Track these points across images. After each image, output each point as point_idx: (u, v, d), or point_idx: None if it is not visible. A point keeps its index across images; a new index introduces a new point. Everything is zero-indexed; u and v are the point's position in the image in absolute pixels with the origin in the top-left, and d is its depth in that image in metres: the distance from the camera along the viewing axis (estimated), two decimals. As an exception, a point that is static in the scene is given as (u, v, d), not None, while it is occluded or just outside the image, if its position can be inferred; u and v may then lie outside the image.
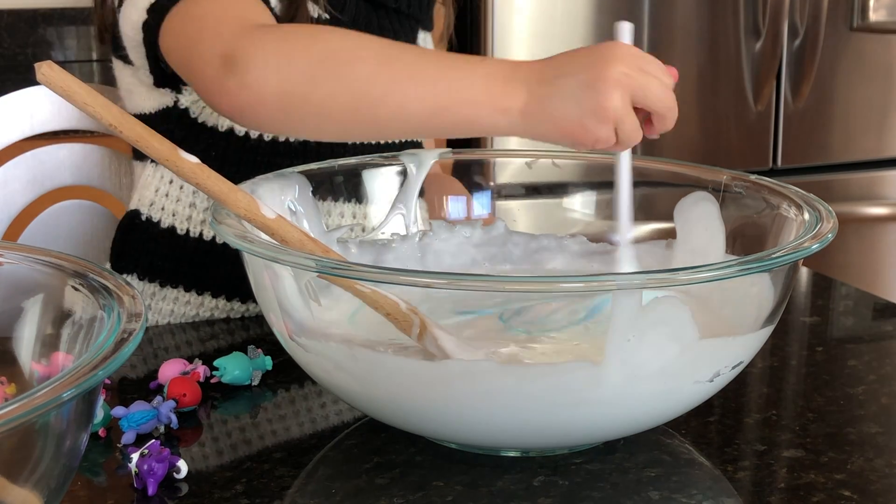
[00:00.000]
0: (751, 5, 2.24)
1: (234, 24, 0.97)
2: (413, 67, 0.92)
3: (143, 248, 1.20)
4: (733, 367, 0.81)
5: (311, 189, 0.99)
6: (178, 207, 1.18)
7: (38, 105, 1.34)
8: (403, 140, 1.16)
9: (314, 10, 1.14)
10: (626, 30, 0.88)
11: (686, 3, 2.22)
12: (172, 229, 1.18)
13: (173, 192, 1.17)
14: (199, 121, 1.15)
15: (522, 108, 0.87)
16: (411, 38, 1.24)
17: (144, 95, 1.18)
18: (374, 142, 1.17)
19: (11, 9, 2.42)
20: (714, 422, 0.89)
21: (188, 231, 1.18)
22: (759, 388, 0.96)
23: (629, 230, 0.91)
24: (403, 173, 1.06)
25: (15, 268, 0.73)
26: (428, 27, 1.30)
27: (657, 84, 0.85)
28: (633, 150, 0.91)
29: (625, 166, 0.91)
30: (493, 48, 2.11)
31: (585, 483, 0.79)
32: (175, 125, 1.15)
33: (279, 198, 0.96)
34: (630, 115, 0.85)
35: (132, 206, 1.21)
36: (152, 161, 1.19)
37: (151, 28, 1.06)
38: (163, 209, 1.18)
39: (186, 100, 1.15)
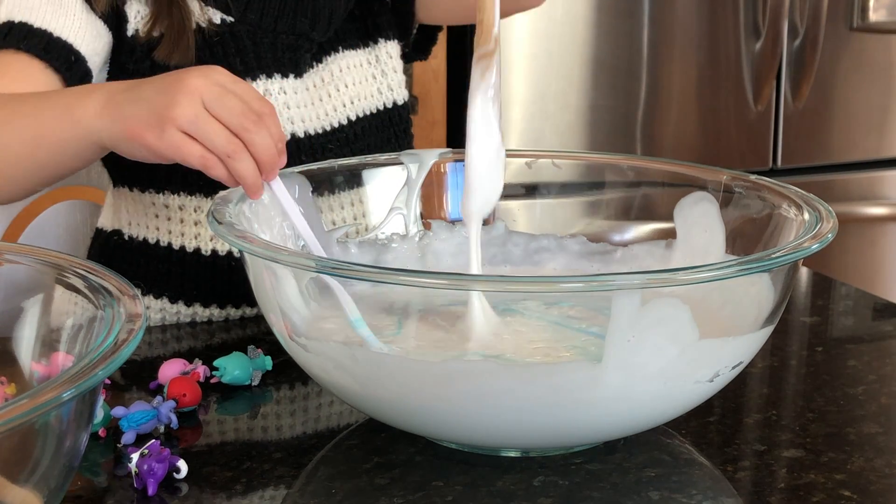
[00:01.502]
0: (751, 5, 2.24)
1: None
2: (16, 110, 0.95)
3: (128, 264, 1.18)
4: (733, 368, 0.81)
5: (311, 189, 0.99)
6: (148, 220, 1.16)
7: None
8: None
9: (215, 15, 1.12)
10: None
11: (686, 3, 2.22)
12: (146, 241, 1.16)
13: (139, 207, 1.16)
14: None
15: (99, 111, 0.89)
16: (345, 5, 1.20)
17: None
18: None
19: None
20: (714, 422, 0.89)
21: (158, 241, 1.16)
22: (759, 388, 0.96)
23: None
24: (404, 173, 1.06)
25: (15, 268, 0.73)
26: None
27: (234, 99, 0.84)
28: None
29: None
30: (493, 48, 2.10)
31: (585, 483, 0.79)
32: None
33: (287, 196, 0.95)
34: (206, 119, 0.83)
35: (111, 227, 1.20)
36: (116, 185, 1.18)
37: None
38: (137, 224, 1.17)
39: None
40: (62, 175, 1.00)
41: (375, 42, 1.23)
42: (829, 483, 0.79)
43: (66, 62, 1.05)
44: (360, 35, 1.22)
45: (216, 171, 0.85)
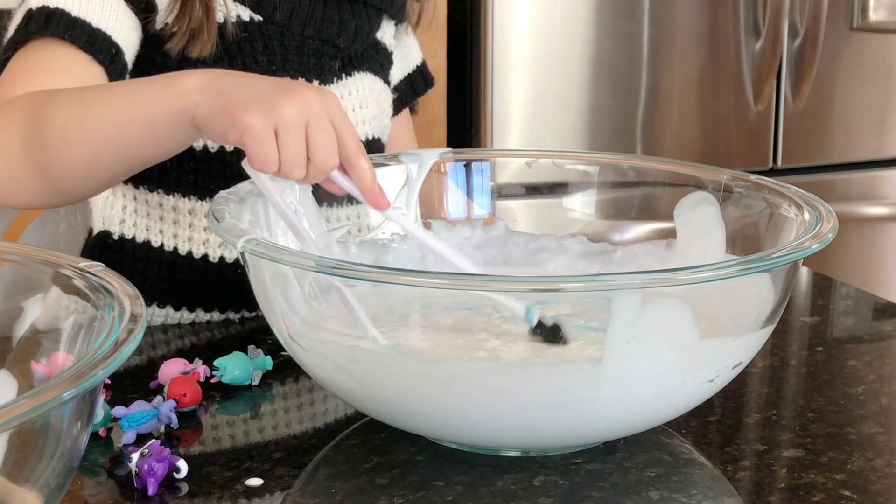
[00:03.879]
0: (751, 5, 2.24)
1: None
2: (101, 97, 0.93)
3: (120, 268, 1.17)
4: (733, 368, 0.81)
5: (311, 189, 0.99)
6: (150, 222, 1.15)
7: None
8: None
9: (244, 13, 1.12)
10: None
11: (686, 3, 2.22)
12: (148, 243, 1.15)
13: (141, 208, 1.15)
14: None
15: (200, 87, 0.86)
16: (369, 28, 1.21)
17: None
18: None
19: (11, 9, 2.42)
20: (714, 422, 0.89)
21: (163, 244, 1.15)
22: (759, 388, 0.96)
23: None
24: (404, 173, 1.06)
25: (15, 268, 0.73)
26: (396, 16, 1.27)
27: (330, 135, 0.84)
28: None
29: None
30: (492, 49, 2.11)
31: (585, 483, 0.79)
32: None
33: (280, 198, 0.95)
34: (297, 133, 0.82)
35: (99, 228, 1.17)
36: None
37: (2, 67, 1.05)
38: (135, 225, 1.15)
39: None
40: (147, 161, 0.96)
41: (386, 80, 1.26)
42: (829, 483, 0.79)
43: (109, 55, 1.03)
44: (379, 65, 1.24)
45: (266, 170, 0.85)
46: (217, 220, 0.83)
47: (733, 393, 0.93)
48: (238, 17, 1.11)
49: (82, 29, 1.01)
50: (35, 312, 0.72)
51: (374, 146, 1.22)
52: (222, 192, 0.90)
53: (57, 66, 1.01)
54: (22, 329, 0.73)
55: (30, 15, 1.02)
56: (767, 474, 0.81)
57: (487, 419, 0.77)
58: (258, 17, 1.13)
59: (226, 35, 1.10)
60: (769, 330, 0.84)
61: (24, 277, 0.72)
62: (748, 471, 0.82)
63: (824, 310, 1.17)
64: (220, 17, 1.10)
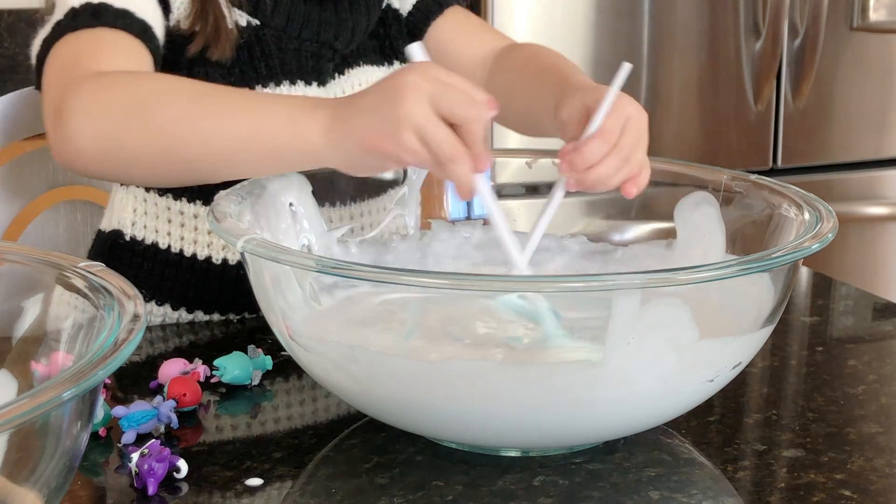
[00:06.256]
0: (751, 5, 2.24)
1: (72, 73, 0.97)
2: (218, 104, 0.93)
3: (128, 267, 1.17)
4: (733, 368, 0.81)
5: (311, 189, 0.99)
6: (159, 224, 1.16)
7: (38, 105, 1.34)
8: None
9: (241, 18, 1.12)
10: (417, 50, 0.90)
11: (686, 3, 2.22)
12: (156, 245, 1.16)
13: (151, 210, 1.16)
14: None
15: (326, 130, 0.87)
16: (367, 23, 1.21)
17: None
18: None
19: (11, 9, 2.42)
20: (714, 422, 0.89)
21: (170, 246, 1.16)
22: (759, 388, 0.96)
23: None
24: (404, 174, 1.06)
25: (15, 268, 0.73)
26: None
27: (456, 92, 0.84)
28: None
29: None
30: (493, 48, 2.10)
31: (585, 483, 0.79)
32: None
33: (280, 198, 0.95)
34: (434, 122, 0.82)
35: (110, 228, 1.19)
36: (122, 184, 1.18)
37: (40, 62, 1.04)
38: (145, 227, 1.16)
39: None
40: (249, 175, 0.96)
41: (391, 63, 1.24)
42: (829, 483, 0.79)
43: (154, 44, 1.03)
44: (380, 53, 1.23)
45: (435, 171, 0.85)
46: (217, 220, 0.83)
47: (733, 393, 0.93)
48: (236, 22, 1.11)
49: (131, 18, 1.02)
50: (35, 312, 0.72)
51: None
52: (222, 192, 0.90)
53: (121, 46, 1.01)
54: (22, 329, 0.73)
55: (74, 12, 1.02)
56: (767, 474, 0.81)
57: (487, 419, 0.77)
58: (255, 22, 1.12)
59: None
60: (769, 330, 0.84)
61: (24, 277, 0.72)
62: (748, 471, 0.82)
63: (824, 310, 1.17)
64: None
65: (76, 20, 1.01)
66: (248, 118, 0.91)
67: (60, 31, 1.01)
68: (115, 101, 0.94)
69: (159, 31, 1.06)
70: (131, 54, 1.01)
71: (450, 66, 1.12)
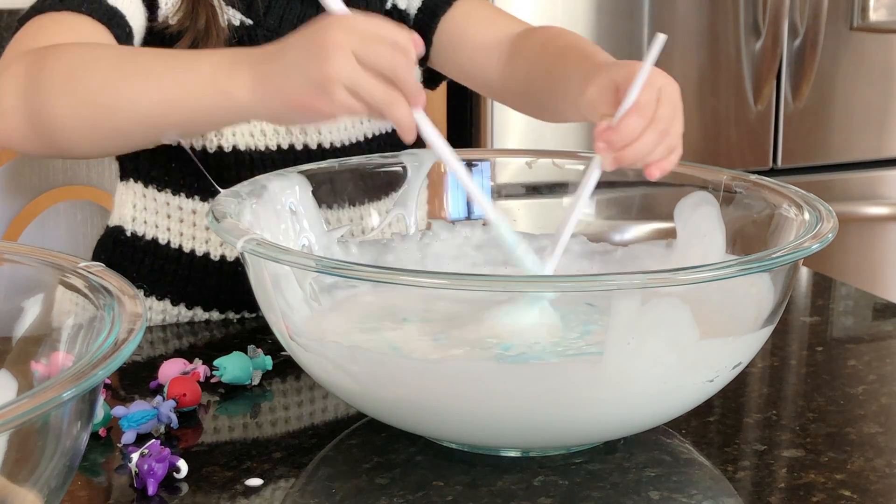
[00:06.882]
0: (751, 5, 2.24)
1: (17, 50, 0.98)
2: (143, 68, 0.93)
3: (130, 262, 1.17)
4: (733, 368, 0.81)
5: (311, 189, 0.99)
6: (158, 219, 1.16)
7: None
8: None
9: (234, 18, 1.11)
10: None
11: (686, 3, 2.22)
12: (155, 240, 1.16)
13: (150, 205, 1.16)
14: None
15: (251, 88, 0.87)
16: None
17: None
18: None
19: (11, 9, 2.42)
20: (714, 422, 0.89)
21: (169, 242, 1.16)
22: (759, 388, 0.96)
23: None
24: (404, 173, 1.06)
25: (15, 268, 0.73)
26: None
27: (379, 43, 0.83)
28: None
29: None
30: (493, 48, 2.10)
31: (585, 483, 0.79)
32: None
33: (280, 198, 0.96)
34: (363, 76, 0.82)
35: (113, 224, 1.19)
36: (124, 178, 1.18)
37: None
38: (145, 222, 1.16)
39: None
40: (186, 135, 0.96)
41: None
42: (829, 483, 0.79)
43: (124, 32, 1.03)
44: None
45: (372, 117, 0.87)
46: (217, 219, 0.83)
47: (733, 393, 0.93)
48: (229, 21, 1.11)
49: (98, 3, 1.02)
50: (35, 312, 0.72)
51: (376, 144, 1.20)
52: (222, 192, 0.90)
53: (79, 30, 1.01)
54: (22, 329, 0.73)
55: None
56: (767, 474, 0.81)
57: (487, 419, 0.77)
58: (249, 21, 1.12)
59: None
60: (769, 330, 0.84)
61: (24, 277, 0.72)
62: (748, 471, 0.82)
63: (824, 310, 1.17)
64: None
65: (44, 3, 1.02)
66: (172, 82, 0.91)
67: (29, 13, 1.02)
68: (44, 75, 0.94)
69: (135, 21, 1.05)
70: (90, 38, 1.01)
71: (464, 57, 1.12)
